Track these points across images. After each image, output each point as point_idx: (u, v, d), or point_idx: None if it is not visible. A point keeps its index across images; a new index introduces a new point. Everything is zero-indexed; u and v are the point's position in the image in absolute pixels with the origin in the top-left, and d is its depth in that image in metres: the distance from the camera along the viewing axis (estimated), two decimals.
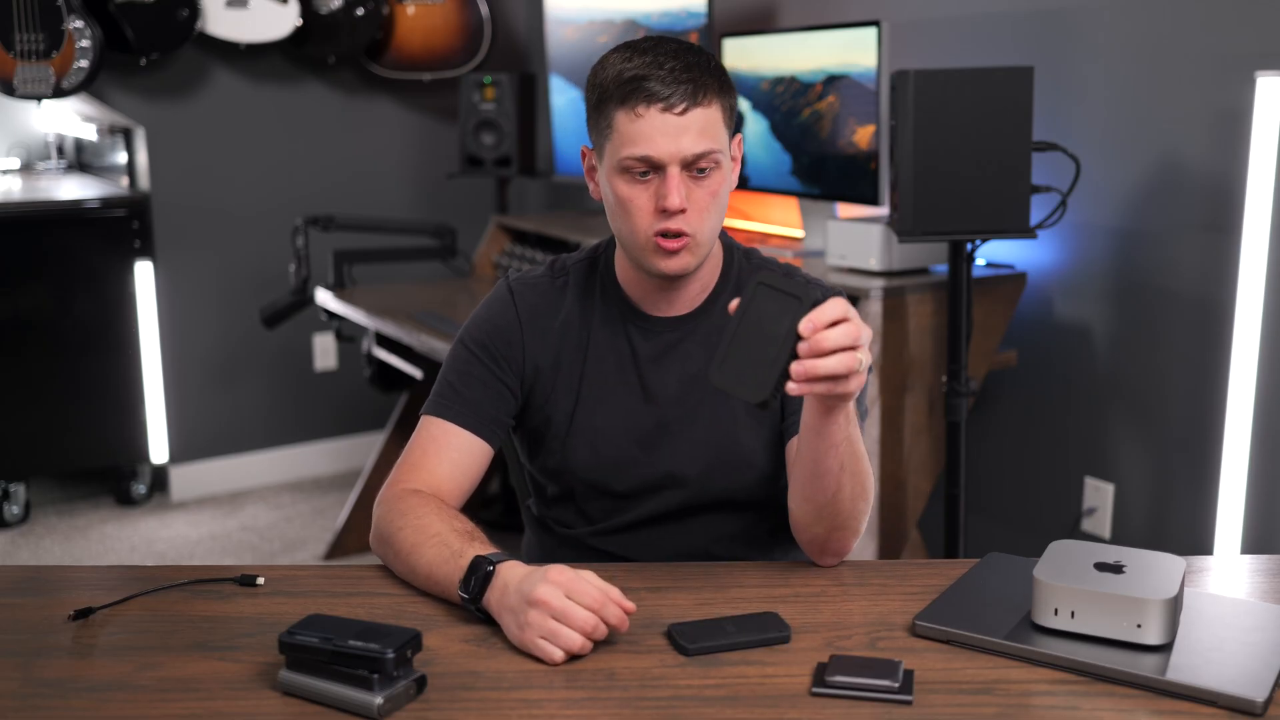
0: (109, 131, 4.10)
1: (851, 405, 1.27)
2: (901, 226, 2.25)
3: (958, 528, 2.45)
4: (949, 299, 2.38)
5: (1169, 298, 2.51)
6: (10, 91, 3.40)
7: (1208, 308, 2.43)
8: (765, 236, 3.25)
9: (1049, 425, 2.81)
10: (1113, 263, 2.61)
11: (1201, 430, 2.46)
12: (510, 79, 3.79)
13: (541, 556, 1.60)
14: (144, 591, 1.32)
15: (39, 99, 3.44)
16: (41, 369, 3.70)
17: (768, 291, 1.16)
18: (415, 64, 4.06)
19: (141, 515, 3.88)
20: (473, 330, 1.52)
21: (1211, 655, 1.12)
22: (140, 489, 3.95)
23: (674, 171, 1.37)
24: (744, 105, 3.00)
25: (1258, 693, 1.05)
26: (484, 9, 4.03)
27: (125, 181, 3.98)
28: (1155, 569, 1.18)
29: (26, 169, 4.57)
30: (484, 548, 1.27)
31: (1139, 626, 1.12)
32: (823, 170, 2.82)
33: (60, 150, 4.66)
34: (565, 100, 3.75)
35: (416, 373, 3.12)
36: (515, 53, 4.38)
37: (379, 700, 1.05)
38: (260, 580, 1.35)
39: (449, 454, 1.45)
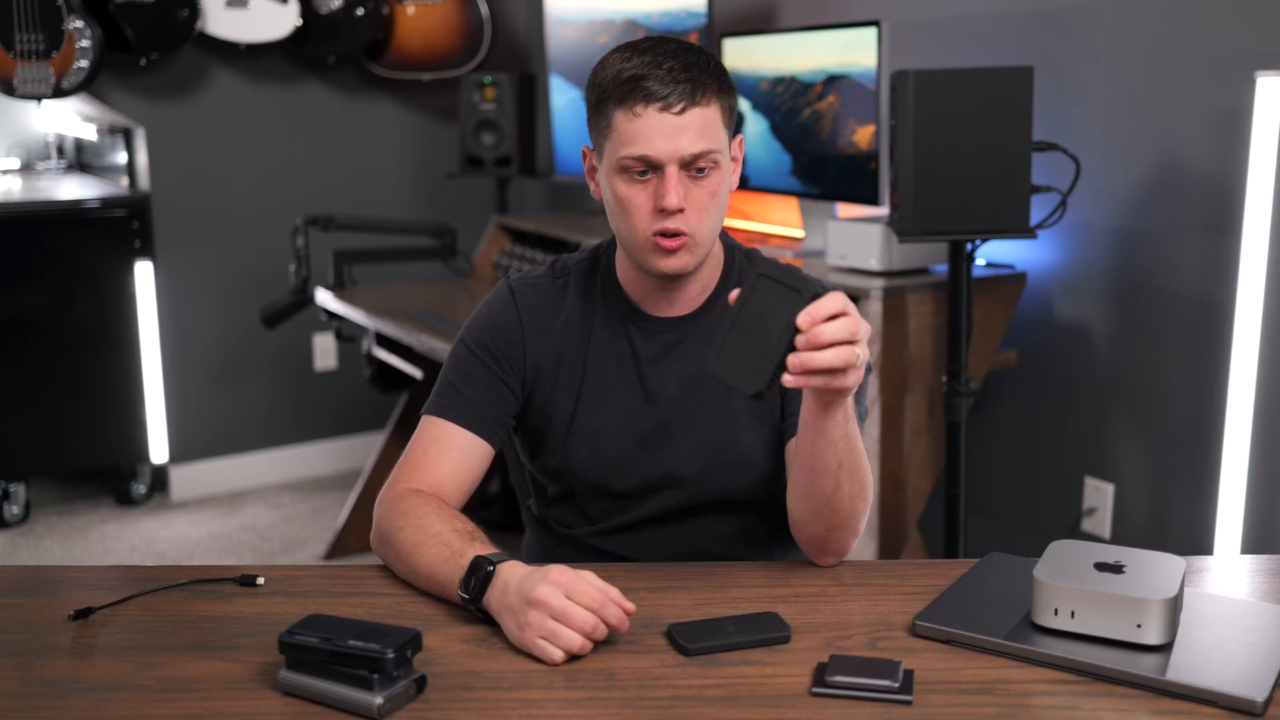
0: (109, 131, 4.10)
1: (850, 402, 1.27)
2: (901, 226, 2.25)
3: (958, 528, 2.45)
4: (949, 299, 2.38)
5: (1169, 298, 2.51)
6: (10, 91, 3.40)
7: (1208, 308, 2.43)
8: (765, 236, 3.25)
9: (1049, 425, 2.81)
10: (1113, 263, 2.61)
11: (1201, 430, 2.46)
12: (510, 79, 3.79)
13: (542, 556, 1.60)
14: (144, 591, 1.32)
15: (39, 99, 3.44)
16: (41, 369, 3.70)
17: (768, 283, 1.16)
18: (415, 64, 4.06)
19: (141, 515, 3.88)
20: (474, 330, 1.52)
21: (1211, 655, 1.12)
22: (140, 489, 3.95)
23: (672, 171, 1.37)
24: (744, 105, 3.00)
25: (1258, 693, 1.05)
26: (484, 9, 4.03)
27: (125, 181, 3.98)
28: (1155, 569, 1.18)
29: (26, 169, 4.57)
30: (484, 548, 1.28)
31: (1139, 626, 1.12)
32: (823, 170, 2.82)
33: (60, 150, 4.66)
34: (565, 100, 3.75)
35: (416, 373, 3.12)
36: (515, 53, 4.38)
37: (379, 700, 1.05)
38: (260, 580, 1.35)
39: (450, 454, 1.45)
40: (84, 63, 3.41)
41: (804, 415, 1.29)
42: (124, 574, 1.65)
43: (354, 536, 3.51)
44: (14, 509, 3.74)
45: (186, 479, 4.02)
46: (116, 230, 3.77)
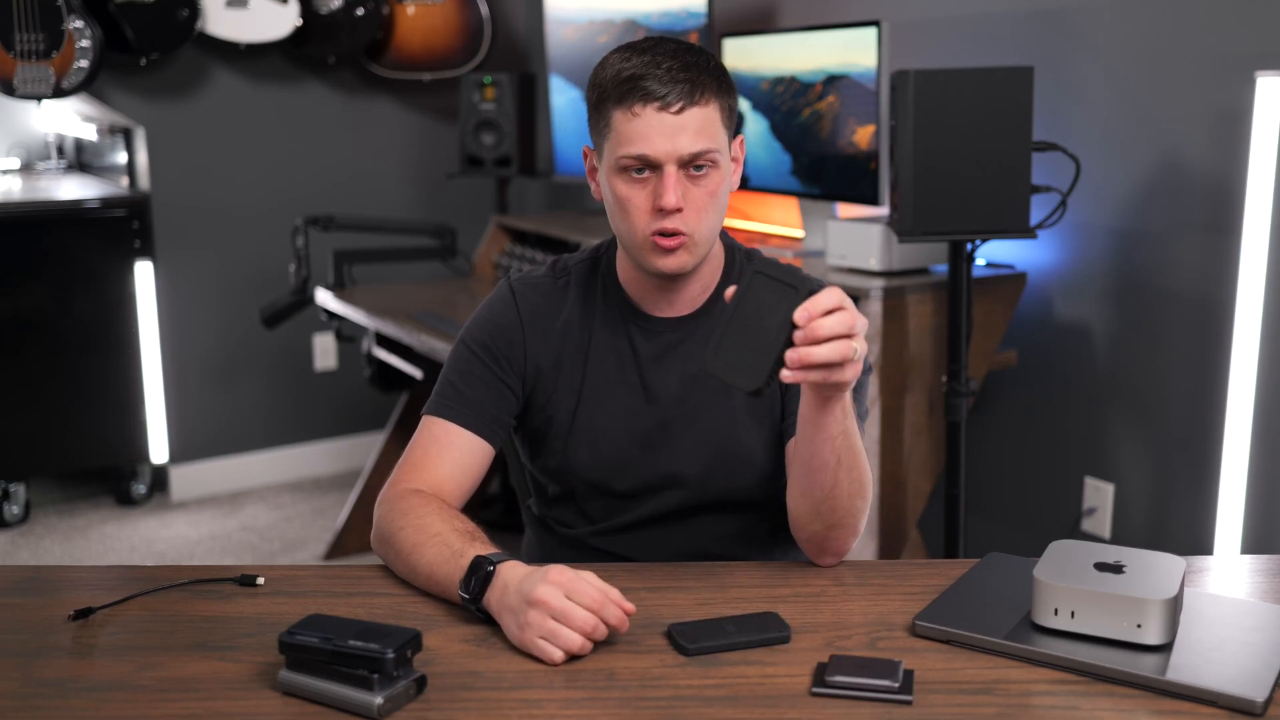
0: (109, 131, 4.10)
1: (848, 398, 1.27)
2: (901, 226, 2.25)
3: (958, 528, 2.45)
4: (949, 299, 2.38)
5: (1169, 298, 2.51)
6: (10, 91, 3.40)
7: (1208, 308, 2.43)
8: (765, 236, 3.25)
9: (1049, 425, 2.81)
10: (1113, 263, 2.61)
11: (1201, 430, 2.46)
12: (510, 79, 3.79)
13: (542, 556, 1.60)
14: (144, 591, 1.32)
15: (39, 99, 3.44)
16: (41, 369, 3.70)
17: (764, 280, 1.17)
18: (415, 64, 4.06)
19: (141, 515, 3.88)
20: (474, 330, 1.52)
21: (1211, 655, 1.12)
22: (140, 489, 3.95)
23: (670, 170, 1.37)
24: (744, 105, 3.00)
25: (1258, 693, 1.05)
26: (484, 9, 4.03)
27: (125, 181, 3.98)
28: (1155, 569, 1.18)
29: (26, 169, 4.57)
30: (485, 548, 1.28)
31: (1139, 626, 1.12)
32: (823, 170, 2.82)
33: (60, 150, 4.66)
34: (565, 100, 3.75)
35: (416, 373, 3.12)
36: (515, 53, 4.38)
37: (379, 700, 1.05)
38: (260, 580, 1.35)
39: (450, 454, 1.45)
40: (84, 63, 3.41)
41: (802, 411, 1.29)
42: (124, 574, 1.65)
43: (354, 536, 3.51)
44: (14, 509, 3.74)
45: (186, 479, 4.02)
46: (116, 230, 3.77)
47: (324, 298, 3.40)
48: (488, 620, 1.22)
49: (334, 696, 1.07)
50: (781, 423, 1.48)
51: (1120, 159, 2.57)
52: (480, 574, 1.22)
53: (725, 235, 1.53)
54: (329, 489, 4.12)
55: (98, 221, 3.76)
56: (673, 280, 1.46)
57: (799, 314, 1.14)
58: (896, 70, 2.23)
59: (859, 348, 1.16)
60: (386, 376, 3.34)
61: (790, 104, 2.88)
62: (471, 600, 1.22)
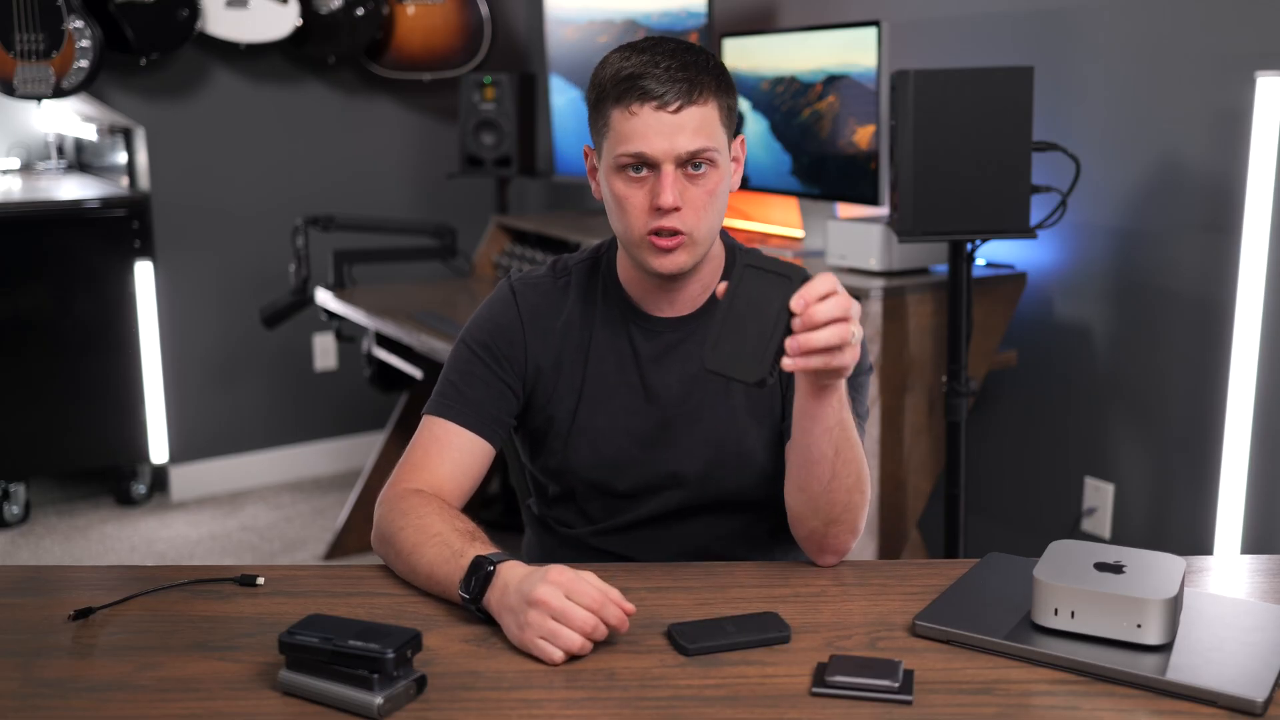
0: (109, 131, 4.10)
1: (843, 388, 1.28)
2: (901, 226, 2.25)
3: (958, 528, 2.45)
4: (949, 299, 2.38)
5: (1169, 298, 2.51)
6: (10, 91, 3.40)
7: (1208, 308, 2.43)
8: (765, 236, 3.25)
9: (1049, 425, 2.81)
10: (1113, 263, 2.61)
11: (1201, 430, 2.46)
12: (510, 79, 3.79)
13: (542, 556, 1.60)
14: (144, 591, 1.32)
15: (39, 99, 3.44)
16: (41, 369, 3.70)
17: (755, 273, 1.17)
18: (415, 64, 4.06)
19: (141, 515, 3.88)
20: (475, 330, 1.52)
21: (1211, 655, 1.12)
22: (140, 489, 3.95)
23: (668, 170, 1.37)
24: (744, 105, 3.00)
25: (1258, 693, 1.05)
26: (484, 9, 4.03)
27: (125, 181, 3.98)
28: (1155, 569, 1.18)
29: (26, 169, 4.57)
30: (485, 548, 1.28)
31: (1139, 626, 1.12)
32: (823, 170, 2.82)
33: (60, 150, 4.66)
34: (565, 100, 3.75)
35: (416, 373, 3.12)
36: (515, 53, 4.38)
37: (379, 700, 1.05)
38: (260, 580, 1.35)
39: (451, 454, 1.45)
40: (84, 63, 3.41)
41: (798, 403, 1.29)
42: (124, 574, 1.65)
43: (354, 536, 3.51)
44: (14, 509, 3.74)
45: (186, 479, 4.02)
46: (116, 230, 3.77)
47: (324, 298, 3.40)
48: (488, 620, 1.22)
49: (334, 696, 1.07)
50: (782, 423, 1.48)
51: (1120, 159, 2.57)
52: (480, 574, 1.22)
53: (726, 235, 1.53)
54: (329, 489, 4.12)
55: (98, 221, 3.76)
56: (672, 280, 1.46)
57: (795, 301, 1.15)
58: (896, 70, 2.23)
59: (856, 331, 1.18)
60: (386, 376, 3.34)
61: (790, 104, 2.88)
62: (471, 600, 1.22)
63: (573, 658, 1.15)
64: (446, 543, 1.29)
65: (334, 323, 3.45)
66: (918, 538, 2.65)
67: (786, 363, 1.16)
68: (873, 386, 2.42)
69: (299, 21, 3.79)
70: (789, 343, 1.15)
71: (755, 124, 2.99)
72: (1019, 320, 2.77)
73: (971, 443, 2.66)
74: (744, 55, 3.02)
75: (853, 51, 2.67)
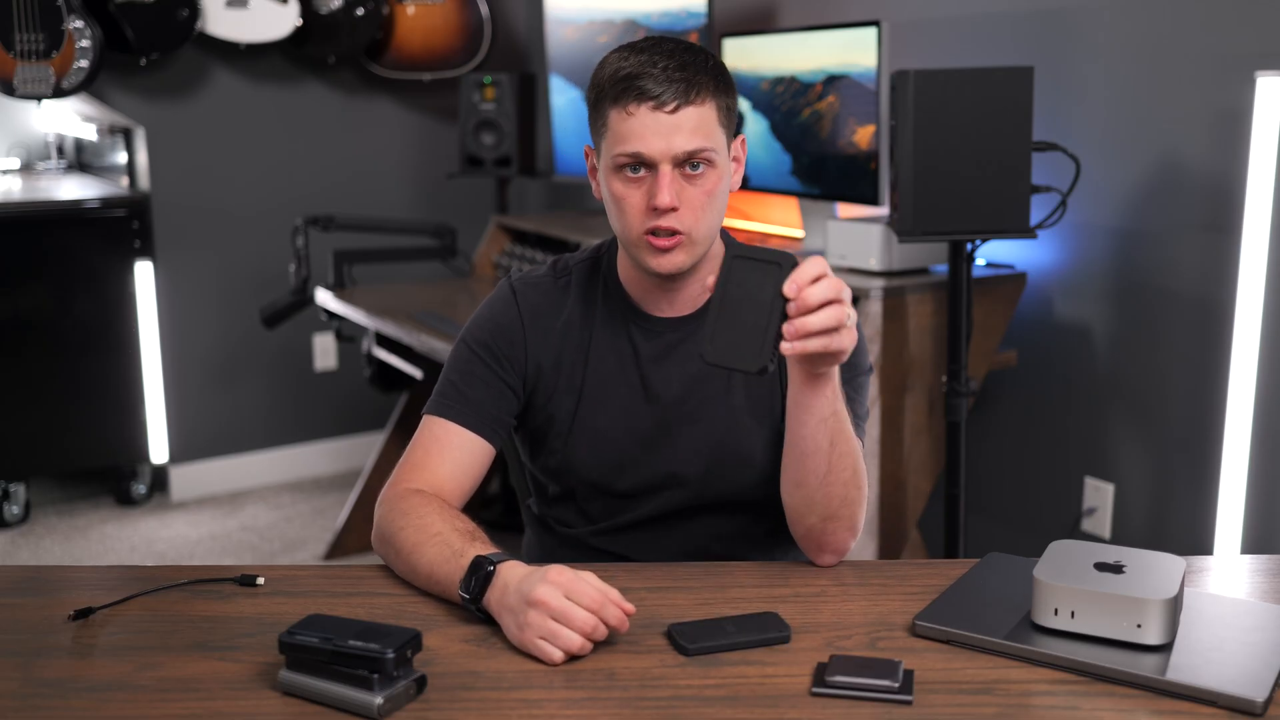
0: (109, 131, 4.10)
1: (837, 378, 1.28)
2: (901, 226, 2.25)
3: (958, 528, 2.45)
4: (949, 299, 2.38)
5: (1169, 298, 2.51)
6: (10, 91, 3.40)
7: (1208, 308, 2.43)
8: (765, 236, 3.24)
9: (1049, 425, 2.81)
10: (1113, 263, 2.61)
11: (1201, 430, 2.46)
12: (510, 79, 3.79)
13: (542, 556, 1.60)
14: (144, 591, 1.32)
15: (39, 99, 3.44)
16: (41, 369, 3.70)
17: (744, 263, 1.18)
18: (415, 64, 4.06)
19: (141, 515, 3.88)
20: (475, 330, 1.53)
21: (1211, 655, 1.12)
22: (140, 489, 3.95)
23: (665, 170, 1.37)
24: (744, 105, 3.00)
25: (1258, 693, 1.05)
26: (484, 9, 4.03)
27: (125, 181, 3.98)
28: (1155, 569, 1.18)
29: (26, 169, 4.57)
30: (485, 548, 1.28)
31: (1139, 626, 1.12)
32: (823, 170, 2.82)
33: (60, 150, 4.66)
34: (565, 100, 3.75)
35: (416, 373, 3.12)
36: (515, 53, 4.38)
37: (379, 700, 1.05)
38: (260, 580, 1.35)
39: (451, 454, 1.45)
40: (84, 63, 3.41)
41: (792, 395, 1.30)
42: (124, 574, 1.65)
43: (354, 536, 3.51)
44: (14, 509, 3.74)
45: (186, 479, 4.02)
46: (116, 230, 3.77)
47: (324, 298, 3.40)
48: (488, 620, 1.22)
49: (334, 696, 1.07)
50: (781, 422, 1.48)
51: (1120, 159, 2.57)
52: (480, 574, 1.22)
53: (726, 235, 1.53)
54: (329, 489, 4.12)
55: (98, 221, 3.76)
56: (671, 280, 1.46)
57: (788, 286, 1.16)
58: (896, 70, 2.23)
59: (851, 313, 1.19)
60: (386, 376, 3.34)
61: (790, 104, 2.88)
62: (471, 600, 1.22)
63: (573, 658, 1.15)
64: (447, 542, 1.29)
65: (334, 323, 3.45)
66: (918, 538, 2.65)
67: (785, 347, 1.16)
68: (873, 387, 2.42)
69: (299, 21, 3.79)
70: (786, 327, 1.16)
71: (755, 124, 2.99)
72: (1019, 320, 2.77)
73: (971, 443, 2.66)
74: (744, 55, 3.02)
75: (853, 51, 2.67)
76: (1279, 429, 2.31)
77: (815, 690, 1.10)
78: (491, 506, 3.72)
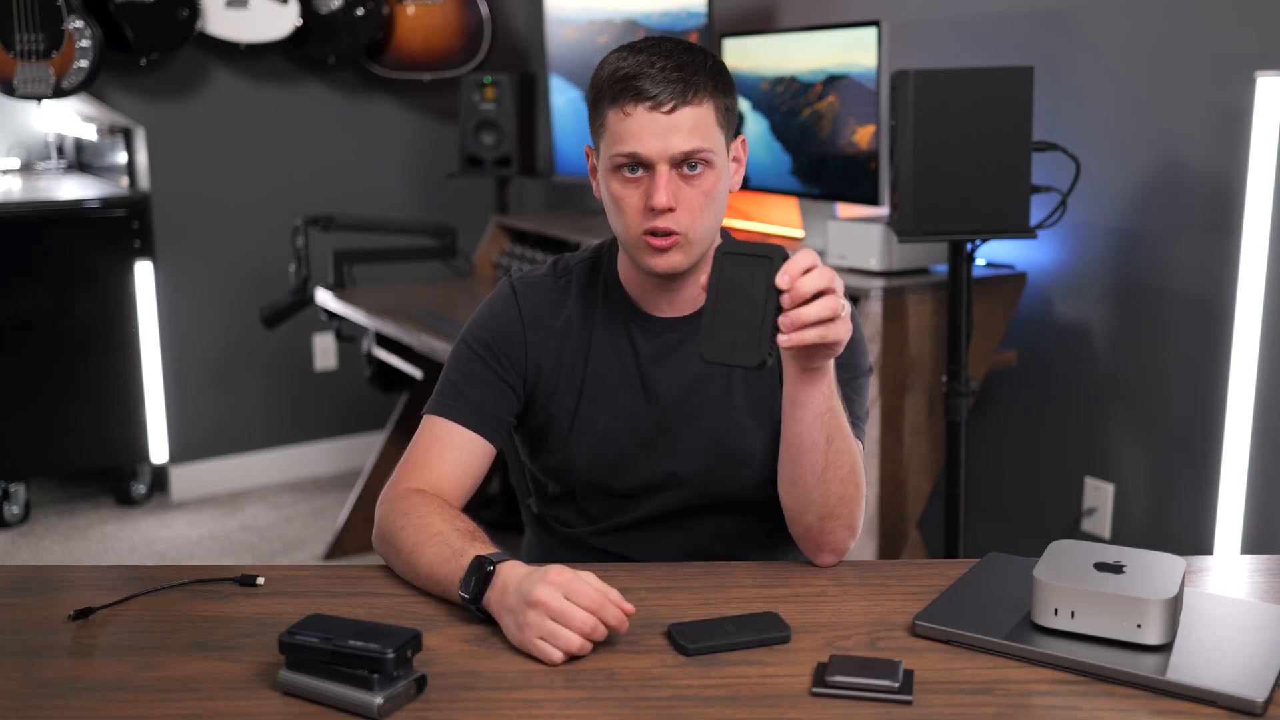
0: (109, 131, 4.10)
1: (832, 373, 1.28)
2: (901, 226, 2.25)
3: (958, 528, 2.45)
4: (949, 299, 2.38)
5: (1169, 298, 2.51)
6: (10, 91, 3.40)
7: (1208, 308, 2.43)
8: (765, 236, 3.24)
9: (1049, 425, 2.81)
10: (1113, 263, 2.61)
11: (1201, 430, 2.46)
12: (510, 79, 3.79)
13: (542, 556, 1.60)
14: (144, 591, 1.32)
15: (39, 99, 3.44)
16: (41, 369, 3.70)
17: (734, 259, 1.18)
18: (415, 64, 4.06)
19: (141, 515, 3.88)
20: (475, 329, 1.53)
21: (1211, 655, 1.12)
22: (140, 489, 3.95)
23: (663, 170, 1.37)
24: (744, 105, 3.00)
25: (1258, 693, 1.05)
26: (484, 9, 4.03)
27: (125, 181, 3.98)
28: (1155, 569, 1.18)
29: (26, 169, 4.57)
30: (485, 547, 1.28)
31: (1139, 626, 1.12)
32: (823, 170, 2.82)
33: (60, 150, 4.66)
34: (565, 100, 3.75)
35: (416, 373, 3.12)
36: (515, 53, 4.38)
37: (379, 700, 1.05)
38: (260, 580, 1.35)
39: (451, 453, 1.45)
40: (84, 63, 3.41)
41: (787, 391, 1.30)
42: (124, 574, 1.65)
43: (354, 536, 3.51)
44: (14, 509, 3.74)
45: (186, 479, 4.02)
46: (116, 230, 3.77)
47: (324, 298, 3.40)
48: (488, 620, 1.22)
49: (334, 696, 1.07)
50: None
51: (1120, 159, 2.57)
52: (480, 574, 1.22)
53: (726, 235, 1.53)
54: (329, 489, 4.12)
55: (98, 221, 3.76)
56: (670, 280, 1.46)
57: (781, 278, 1.16)
58: (896, 70, 2.23)
59: (845, 303, 1.19)
60: (386, 376, 3.34)
61: (790, 104, 2.88)
62: (471, 600, 1.22)
63: (573, 658, 1.15)
64: (447, 542, 1.29)
65: (334, 323, 3.45)
66: (918, 538, 2.65)
67: (783, 339, 1.17)
68: (873, 387, 2.42)
69: (299, 21, 3.79)
70: (782, 320, 1.16)
71: (755, 124, 2.99)
72: (1019, 320, 2.77)
73: (971, 443, 2.66)
74: (744, 55, 3.02)
75: (853, 51, 2.67)
76: (1279, 429, 2.31)
77: (815, 690, 1.10)
78: (491, 506, 3.72)
